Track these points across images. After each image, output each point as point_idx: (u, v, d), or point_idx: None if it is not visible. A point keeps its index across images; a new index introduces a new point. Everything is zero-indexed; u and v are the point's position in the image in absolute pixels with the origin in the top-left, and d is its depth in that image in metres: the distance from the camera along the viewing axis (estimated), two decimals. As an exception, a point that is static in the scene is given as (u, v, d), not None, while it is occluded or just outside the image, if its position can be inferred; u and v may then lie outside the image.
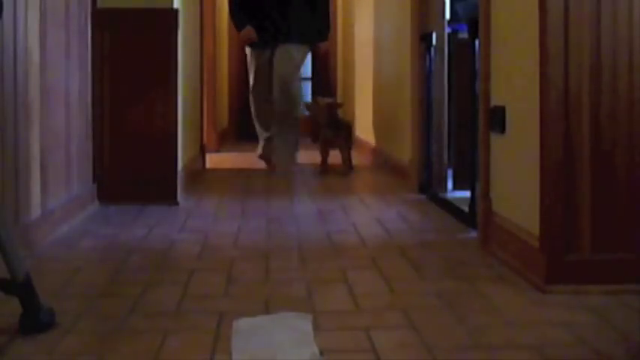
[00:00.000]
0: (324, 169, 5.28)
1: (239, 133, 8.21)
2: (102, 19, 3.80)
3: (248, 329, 1.94)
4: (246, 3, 5.29)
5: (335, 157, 5.33)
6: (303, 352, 1.80)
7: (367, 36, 6.15)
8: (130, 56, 3.86)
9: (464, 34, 3.92)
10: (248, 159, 6.18)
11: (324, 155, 5.32)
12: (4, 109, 2.61)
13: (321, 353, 1.79)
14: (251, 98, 5.61)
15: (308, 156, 5.91)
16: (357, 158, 6.30)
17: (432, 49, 4.16)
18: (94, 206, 3.74)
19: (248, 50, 5.51)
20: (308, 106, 5.58)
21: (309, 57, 5.71)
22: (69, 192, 3.37)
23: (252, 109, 5.66)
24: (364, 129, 6.56)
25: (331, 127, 5.30)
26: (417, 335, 1.94)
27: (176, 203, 3.91)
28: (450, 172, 4.24)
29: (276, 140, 5.29)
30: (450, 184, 4.18)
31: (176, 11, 3.90)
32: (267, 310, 2.15)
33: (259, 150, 5.61)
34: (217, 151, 6.70)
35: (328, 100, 5.54)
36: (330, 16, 5.50)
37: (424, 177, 4.24)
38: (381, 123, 5.70)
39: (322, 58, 7.92)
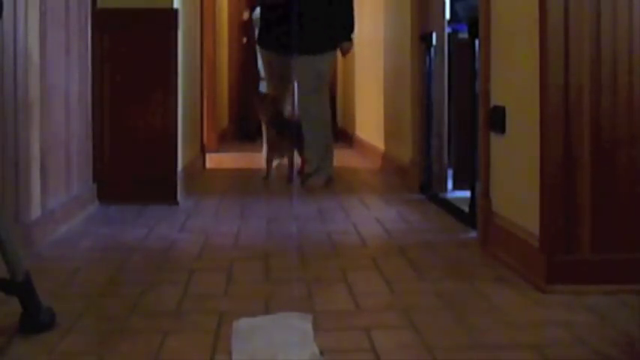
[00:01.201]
0: (268, 177, 4.81)
1: (239, 133, 8.21)
2: (102, 19, 3.80)
3: (248, 329, 1.94)
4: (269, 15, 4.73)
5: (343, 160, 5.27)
6: (303, 352, 1.80)
7: (367, 36, 6.15)
8: (130, 56, 3.86)
9: (464, 34, 3.92)
10: (248, 159, 6.18)
11: (268, 162, 4.82)
12: (4, 109, 2.61)
13: (321, 353, 1.79)
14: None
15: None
16: (357, 158, 6.30)
17: (432, 49, 4.16)
18: (94, 206, 3.74)
19: (260, 51, 4.98)
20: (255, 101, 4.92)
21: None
22: (69, 192, 3.37)
23: (265, 134, 4.93)
24: (364, 129, 6.56)
25: (276, 126, 4.67)
26: (417, 335, 1.94)
27: (176, 203, 3.91)
28: (450, 172, 4.23)
29: (307, 154, 4.63)
30: (450, 184, 4.18)
31: (176, 11, 3.90)
32: (267, 310, 2.15)
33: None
34: (217, 151, 6.70)
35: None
36: (353, 12, 4.75)
37: (424, 177, 4.23)
38: (381, 123, 5.70)
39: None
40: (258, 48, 4.98)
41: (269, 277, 2.55)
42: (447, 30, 4.18)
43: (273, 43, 4.68)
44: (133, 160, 3.88)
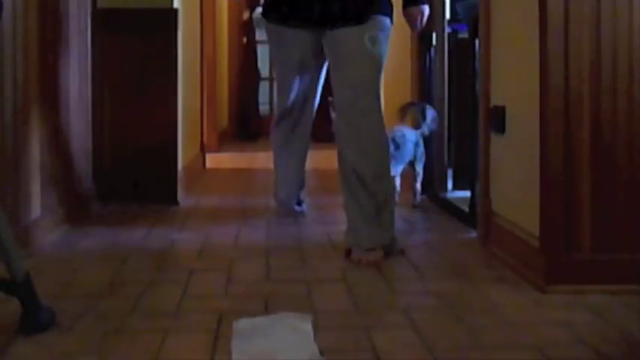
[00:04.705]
0: None
1: (239, 133, 8.21)
2: (102, 19, 3.80)
3: (248, 329, 1.94)
4: None
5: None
6: (303, 352, 1.80)
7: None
8: (130, 56, 3.86)
9: (464, 34, 3.92)
10: (249, 159, 6.18)
11: None
12: (4, 109, 2.61)
13: (321, 353, 1.79)
14: (274, 136, 3.53)
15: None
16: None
17: (432, 49, 4.16)
18: (94, 206, 3.74)
19: (268, 30, 3.23)
20: None
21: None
22: (69, 192, 3.37)
23: (275, 158, 3.57)
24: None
25: None
26: (417, 335, 1.94)
27: (176, 203, 3.91)
28: (450, 172, 4.23)
29: (348, 209, 2.91)
30: (450, 184, 4.17)
31: (176, 11, 3.90)
32: (267, 310, 2.15)
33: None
34: (217, 151, 6.70)
35: None
36: None
37: (424, 177, 4.23)
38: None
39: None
40: (264, 25, 3.26)
41: (269, 276, 2.55)
42: (447, 30, 4.18)
43: (290, 11, 3.10)
44: (132, 160, 3.88)
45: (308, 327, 1.95)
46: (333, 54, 3.02)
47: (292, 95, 3.35)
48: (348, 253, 2.79)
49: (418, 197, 3.89)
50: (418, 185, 3.88)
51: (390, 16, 3.03)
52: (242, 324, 1.98)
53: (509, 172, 2.75)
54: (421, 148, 3.81)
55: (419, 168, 3.85)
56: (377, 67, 2.91)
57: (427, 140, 3.97)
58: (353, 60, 2.90)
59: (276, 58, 3.36)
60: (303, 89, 3.34)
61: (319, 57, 3.20)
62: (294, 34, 3.12)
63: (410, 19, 3.24)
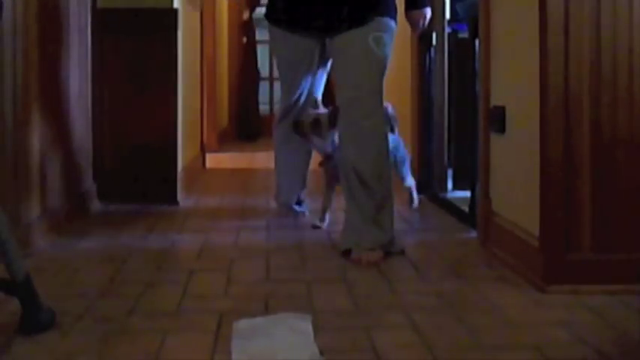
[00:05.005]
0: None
1: (239, 133, 8.20)
2: (102, 19, 3.80)
3: (248, 329, 1.94)
4: None
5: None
6: (303, 352, 1.80)
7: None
8: (130, 56, 3.86)
9: (464, 34, 3.92)
10: (248, 159, 6.17)
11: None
12: (4, 109, 2.61)
13: (321, 353, 1.79)
14: (276, 134, 3.52)
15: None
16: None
17: (432, 49, 4.16)
18: (94, 206, 3.74)
19: (270, 29, 3.23)
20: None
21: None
22: (69, 192, 3.37)
23: (276, 157, 3.57)
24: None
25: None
26: (417, 335, 1.94)
27: (176, 203, 3.91)
28: (450, 172, 4.23)
29: (347, 209, 2.93)
30: (450, 184, 4.18)
31: (176, 11, 3.90)
32: (267, 310, 2.15)
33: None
34: (217, 151, 6.70)
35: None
36: None
37: (424, 177, 4.23)
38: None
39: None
40: (266, 27, 3.28)
41: (269, 276, 2.55)
42: (447, 30, 4.18)
43: (293, 18, 3.12)
44: (132, 160, 3.88)
45: (308, 327, 1.95)
46: (337, 56, 3.03)
47: (294, 94, 3.36)
48: (345, 253, 2.79)
49: (416, 201, 3.85)
50: (411, 185, 3.83)
51: (395, 17, 3.04)
52: (242, 324, 1.98)
53: (509, 172, 2.75)
54: (401, 152, 3.74)
55: (404, 172, 3.78)
56: (380, 68, 2.92)
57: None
58: (357, 60, 2.91)
59: (278, 59, 3.36)
60: (304, 88, 3.35)
61: (322, 58, 3.22)
62: (298, 39, 3.13)
63: (412, 21, 3.26)
